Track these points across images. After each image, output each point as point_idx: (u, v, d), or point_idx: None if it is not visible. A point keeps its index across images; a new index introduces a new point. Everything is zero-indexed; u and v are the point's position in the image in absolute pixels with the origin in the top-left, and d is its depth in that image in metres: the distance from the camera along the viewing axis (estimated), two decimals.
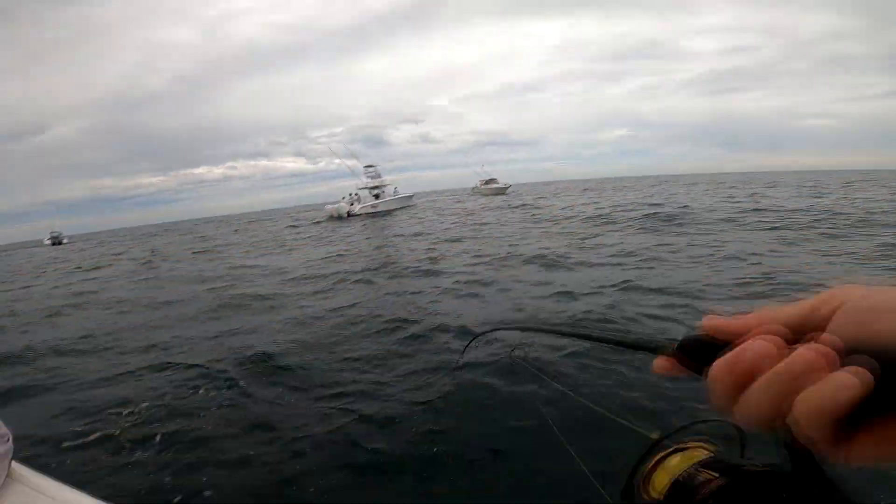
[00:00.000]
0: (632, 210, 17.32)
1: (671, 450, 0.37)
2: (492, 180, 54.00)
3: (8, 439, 1.08)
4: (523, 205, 26.93)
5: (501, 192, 49.77)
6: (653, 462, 0.36)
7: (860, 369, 0.22)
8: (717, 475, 0.32)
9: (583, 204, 24.00)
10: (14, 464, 1.09)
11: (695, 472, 0.34)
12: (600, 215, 16.50)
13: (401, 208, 38.39)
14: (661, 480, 0.35)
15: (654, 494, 0.35)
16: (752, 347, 0.25)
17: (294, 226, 31.19)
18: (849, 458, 0.24)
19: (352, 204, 34.98)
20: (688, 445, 0.37)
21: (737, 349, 0.26)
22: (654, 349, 0.31)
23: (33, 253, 39.38)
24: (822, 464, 0.28)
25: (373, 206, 35.78)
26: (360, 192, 38.74)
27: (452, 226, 18.66)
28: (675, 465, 0.35)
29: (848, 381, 0.22)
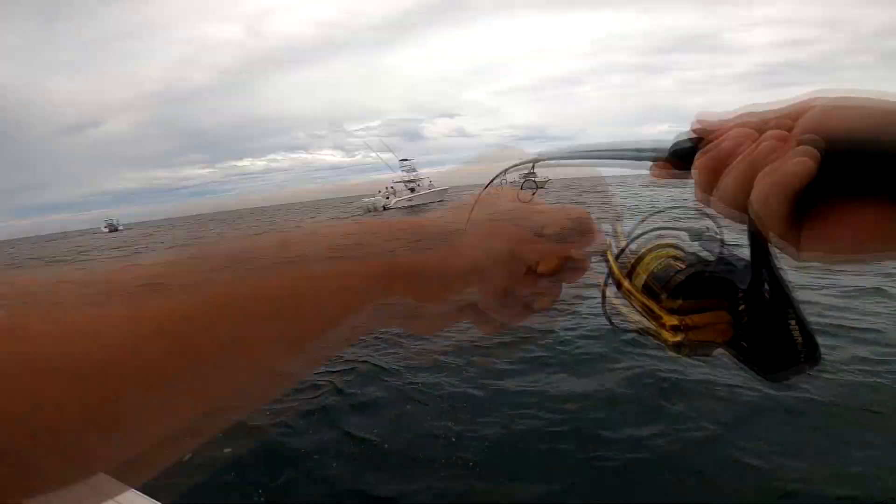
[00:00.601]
0: None
1: (652, 246, 0.36)
2: (530, 174, 54.53)
3: None
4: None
5: (541, 186, 50.32)
6: (642, 253, 0.36)
7: (809, 148, 0.23)
8: (684, 267, 0.33)
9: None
10: None
11: (668, 265, 0.34)
12: None
13: (436, 202, 38.25)
14: (643, 271, 0.35)
15: (637, 281, 0.35)
16: (729, 135, 0.28)
17: (340, 217, 32.65)
18: (802, 250, 0.25)
19: (387, 198, 35.12)
20: (668, 243, 0.37)
21: (717, 140, 0.28)
22: (652, 157, 0.33)
23: (94, 237, 42.75)
24: (779, 265, 0.29)
25: (408, 200, 35.79)
26: (395, 186, 38.93)
27: None
28: (653, 258, 0.35)
29: (797, 159, 0.23)
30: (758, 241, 0.28)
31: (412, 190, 39.16)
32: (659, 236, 0.37)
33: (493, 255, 0.35)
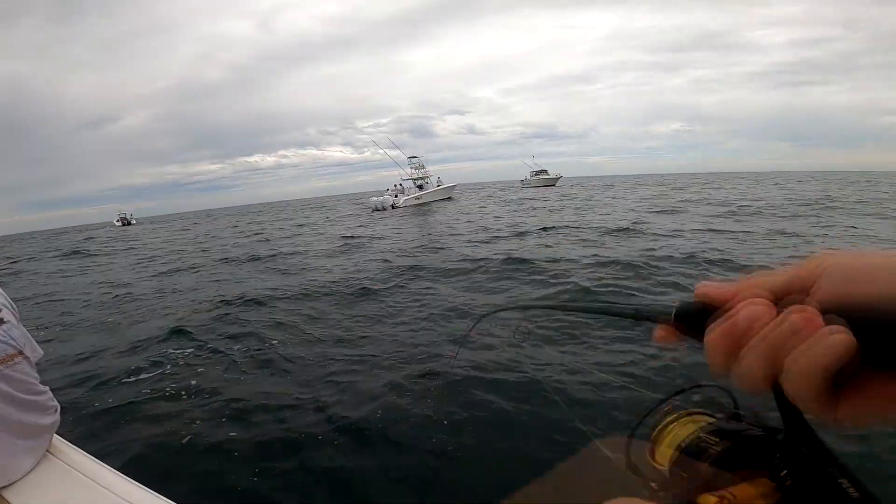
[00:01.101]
0: None
1: (673, 418, 0.36)
2: (542, 171, 54.89)
3: (56, 411, 1.08)
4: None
5: (552, 183, 50.72)
6: (657, 430, 0.36)
7: (843, 329, 0.23)
8: (717, 440, 0.33)
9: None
10: (55, 437, 1.09)
11: (697, 439, 0.34)
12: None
13: (444, 199, 38.20)
14: (667, 448, 0.34)
15: (661, 463, 0.35)
16: (745, 312, 0.27)
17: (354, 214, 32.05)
18: (838, 418, 0.25)
19: (396, 196, 35.15)
20: (689, 412, 0.36)
21: (730, 315, 0.27)
22: (653, 318, 0.32)
23: (109, 231, 42.72)
24: (813, 426, 0.28)
25: (417, 198, 35.80)
26: (403, 184, 38.91)
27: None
28: (678, 433, 0.35)
29: (834, 340, 0.23)
30: (789, 410, 0.28)
31: (420, 188, 39.16)
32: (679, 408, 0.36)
33: None
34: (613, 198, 27.54)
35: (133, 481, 0.98)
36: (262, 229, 23.78)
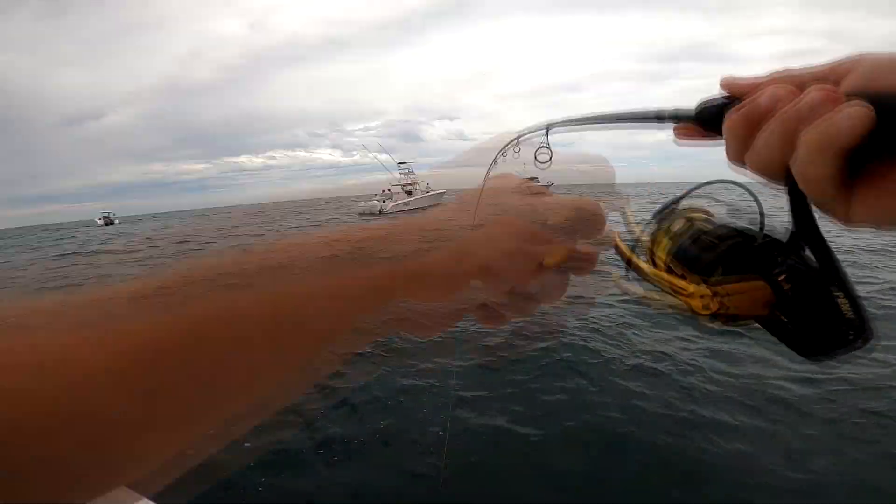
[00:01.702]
0: None
1: (669, 215, 0.35)
2: (532, 179, 53.97)
3: None
4: None
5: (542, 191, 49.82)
6: (660, 224, 0.34)
7: (862, 103, 0.21)
8: (711, 232, 0.31)
9: None
10: None
11: (690, 231, 0.32)
12: None
13: (433, 206, 38.20)
14: (664, 244, 0.33)
15: (660, 257, 0.33)
16: (767, 92, 0.25)
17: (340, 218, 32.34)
18: (851, 215, 0.23)
19: (384, 201, 35.14)
20: (686, 209, 0.34)
21: (753, 96, 0.26)
22: (676, 118, 0.31)
23: (95, 231, 41.59)
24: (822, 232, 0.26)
25: (405, 204, 35.80)
26: (392, 189, 38.93)
27: None
28: (671, 226, 0.33)
29: (853, 111, 0.21)
30: (800, 206, 0.26)
31: (409, 193, 39.18)
32: (683, 206, 0.35)
33: (500, 252, 0.34)
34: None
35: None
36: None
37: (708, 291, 0.28)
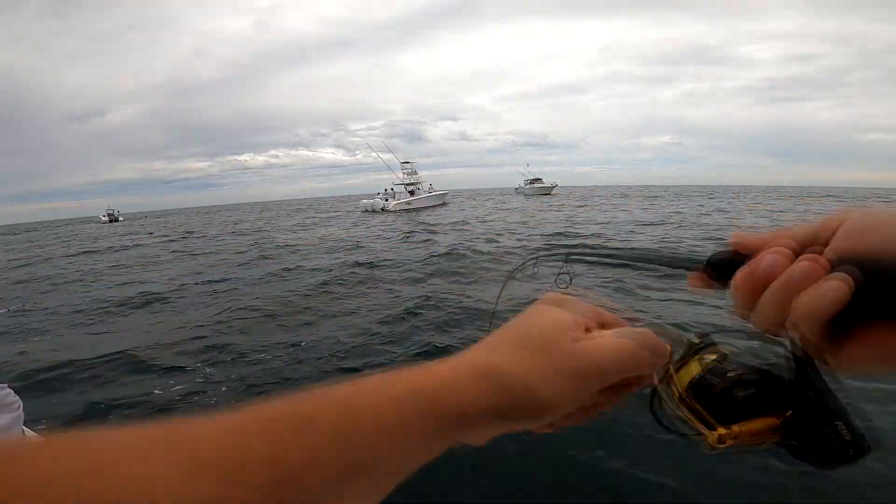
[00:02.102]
0: None
1: (691, 353, 0.37)
2: (537, 180, 52.79)
3: (18, 407, 1.06)
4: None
5: (546, 192, 48.76)
6: (675, 366, 0.37)
7: (844, 275, 0.24)
8: (721, 379, 0.33)
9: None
10: (28, 431, 1.06)
11: (704, 376, 0.35)
12: None
13: (435, 206, 38.45)
14: (681, 384, 0.35)
15: (676, 394, 0.36)
16: (765, 259, 0.28)
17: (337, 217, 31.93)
18: (842, 364, 0.26)
19: (386, 200, 35.34)
20: (716, 343, 0.37)
21: (753, 261, 0.29)
22: (688, 266, 0.34)
23: (108, 229, 40.26)
24: (824, 374, 0.29)
25: (407, 203, 36.00)
26: (395, 188, 39.10)
27: None
28: (692, 369, 0.36)
29: (832, 286, 0.24)
30: (798, 353, 0.29)
31: (412, 193, 39.38)
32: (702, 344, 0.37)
33: (570, 398, 0.30)
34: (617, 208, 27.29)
35: None
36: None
37: (724, 432, 0.31)
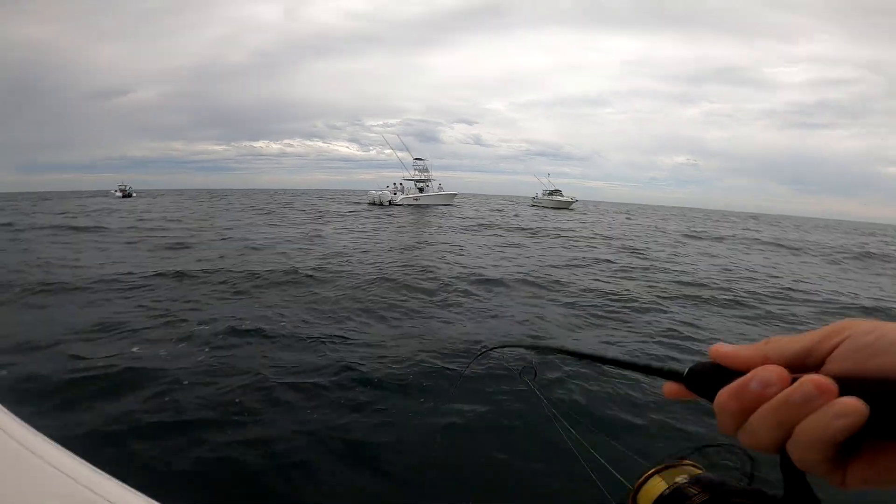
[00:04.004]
0: None
1: (662, 466, 0.37)
2: (556, 191, 49.31)
3: None
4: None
5: (565, 206, 46.07)
6: (643, 477, 0.37)
7: (856, 401, 0.23)
8: (700, 491, 0.33)
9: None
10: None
11: (681, 488, 0.34)
12: None
13: (442, 205, 38.56)
14: (648, 496, 0.35)
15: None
16: (757, 377, 0.27)
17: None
18: (845, 484, 0.25)
19: (395, 193, 35.51)
20: (680, 463, 0.37)
21: (742, 379, 0.27)
22: (665, 374, 0.33)
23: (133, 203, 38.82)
24: (815, 491, 0.29)
25: (415, 199, 36.16)
26: (404, 183, 39.26)
27: None
28: (659, 485, 0.35)
29: (845, 411, 0.23)
30: (792, 474, 0.28)
31: (421, 189, 39.54)
32: (673, 459, 0.36)
33: None
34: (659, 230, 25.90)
35: (67, 451, 0.88)
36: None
37: None
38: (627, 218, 34.36)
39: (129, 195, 55.36)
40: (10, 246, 10.93)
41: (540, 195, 51.56)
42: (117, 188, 57.43)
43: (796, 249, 17.54)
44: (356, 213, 26.70)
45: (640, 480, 0.36)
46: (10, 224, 16.31)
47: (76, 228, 15.07)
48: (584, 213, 39.22)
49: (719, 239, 20.27)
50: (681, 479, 0.35)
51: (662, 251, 13.95)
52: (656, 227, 26.11)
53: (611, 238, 17.18)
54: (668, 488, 0.34)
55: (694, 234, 22.75)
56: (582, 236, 17.36)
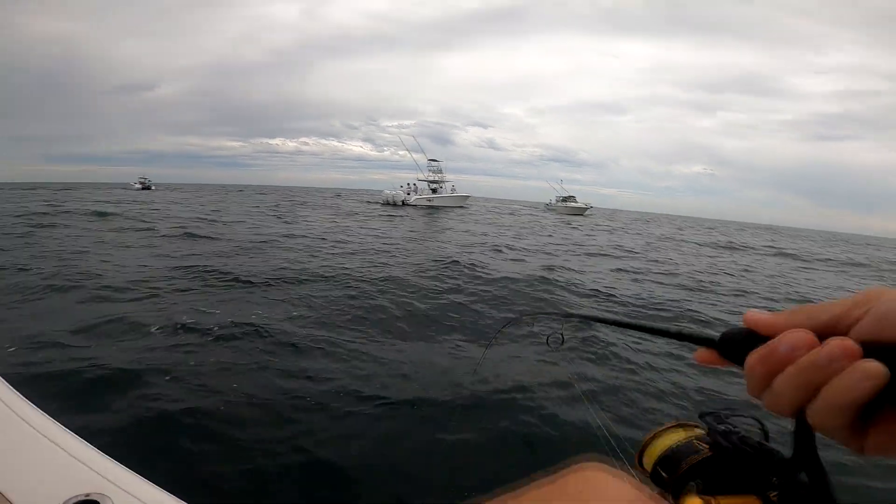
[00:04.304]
0: None
1: (674, 424, 0.37)
2: (570, 198, 49.62)
3: None
4: None
5: (579, 212, 45.81)
6: (653, 434, 0.37)
7: (878, 364, 0.24)
8: (706, 446, 0.33)
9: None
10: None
11: (688, 445, 0.34)
12: None
13: (455, 207, 38.56)
14: (655, 450, 0.36)
15: (647, 462, 0.36)
16: (785, 339, 0.27)
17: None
18: (865, 449, 0.26)
19: (408, 193, 35.65)
20: (691, 423, 0.37)
21: (771, 342, 0.28)
22: (698, 341, 0.33)
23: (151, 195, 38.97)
24: (821, 457, 0.29)
25: (428, 200, 36.27)
26: (418, 183, 39.40)
27: None
28: (672, 437, 0.36)
29: (868, 373, 0.24)
30: (804, 437, 0.28)
31: (434, 190, 39.64)
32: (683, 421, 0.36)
33: None
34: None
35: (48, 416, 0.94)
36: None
37: (700, 501, 0.30)
38: (679, 230, 32.76)
39: (149, 188, 56.35)
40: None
41: (554, 201, 51.75)
42: (137, 181, 58.40)
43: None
44: (392, 214, 26.61)
45: (652, 434, 0.37)
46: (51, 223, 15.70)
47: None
48: (613, 223, 37.24)
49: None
50: (691, 436, 0.35)
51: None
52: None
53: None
54: (680, 441, 0.35)
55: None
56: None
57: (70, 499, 0.71)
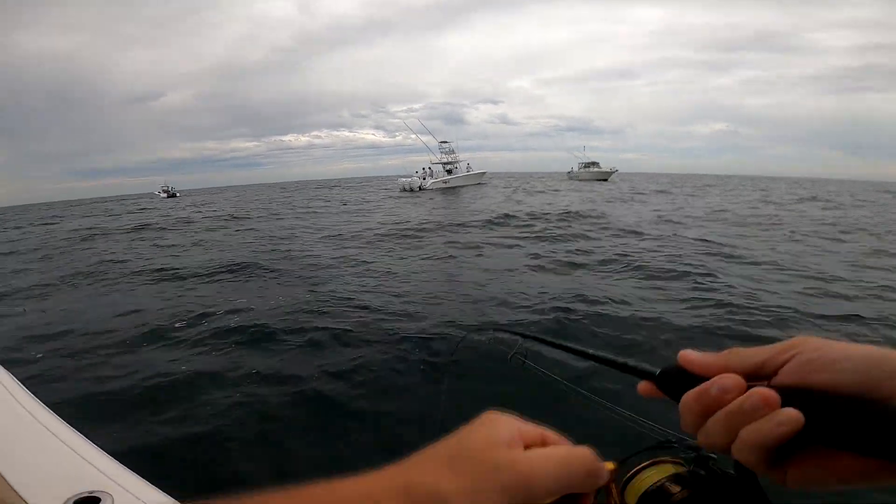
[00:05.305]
0: None
1: (647, 463, 0.39)
2: (593, 163, 48.25)
3: None
4: None
5: (604, 177, 44.87)
6: (627, 475, 0.38)
7: (794, 412, 0.27)
8: (680, 488, 0.36)
9: None
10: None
11: (663, 485, 0.36)
12: None
13: (473, 184, 38.21)
14: (635, 490, 0.37)
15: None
16: (718, 383, 0.30)
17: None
18: (786, 483, 0.29)
19: (424, 178, 35.48)
20: (662, 460, 0.39)
21: (704, 384, 0.31)
22: (640, 374, 0.36)
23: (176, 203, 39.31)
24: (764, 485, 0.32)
25: (444, 182, 36.02)
26: (433, 167, 39.14)
27: None
28: (646, 478, 0.37)
29: (783, 420, 0.27)
30: (742, 469, 0.31)
31: (449, 171, 39.32)
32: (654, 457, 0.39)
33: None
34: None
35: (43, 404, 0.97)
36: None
37: None
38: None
39: (174, 195, 57.19)
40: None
41: (576, 169, 50.08)
42: (161, 189, 59.49)
43: None
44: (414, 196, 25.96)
45: (629, 474, 0.38)
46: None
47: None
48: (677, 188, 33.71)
49: None
50: (663, 475, 0.37)
51: None
52: None
53: None
54: (652, 484, 0.37)
55: None
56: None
57: (73, 495, 0.72)
